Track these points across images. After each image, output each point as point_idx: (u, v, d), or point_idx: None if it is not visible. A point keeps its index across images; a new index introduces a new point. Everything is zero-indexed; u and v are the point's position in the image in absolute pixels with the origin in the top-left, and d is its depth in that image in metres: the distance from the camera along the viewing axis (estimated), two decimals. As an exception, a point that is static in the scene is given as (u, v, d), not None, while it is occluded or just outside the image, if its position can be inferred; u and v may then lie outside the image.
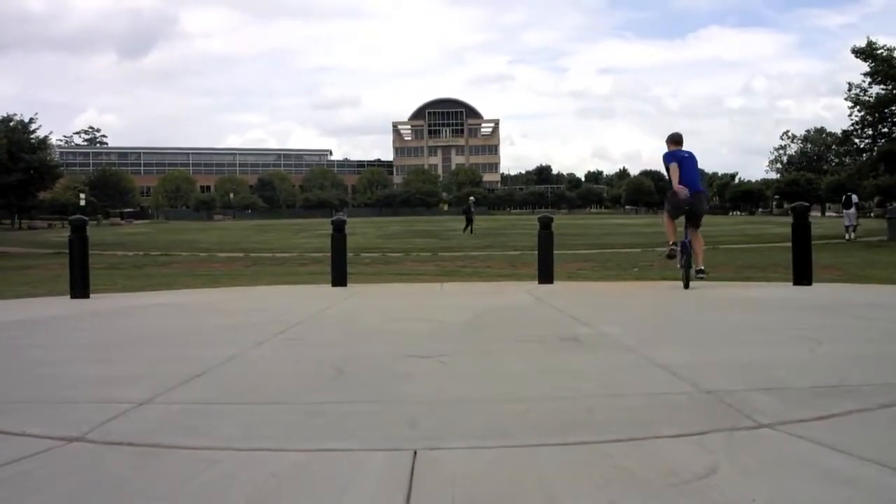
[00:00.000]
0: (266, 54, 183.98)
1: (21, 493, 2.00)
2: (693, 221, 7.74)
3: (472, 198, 42.16)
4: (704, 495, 1.91)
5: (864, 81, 25.72)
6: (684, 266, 7.72)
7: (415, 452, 2.27)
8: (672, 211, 7.84)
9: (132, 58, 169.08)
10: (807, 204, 9.11)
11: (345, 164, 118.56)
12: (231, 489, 2.02)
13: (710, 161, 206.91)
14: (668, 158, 7.74)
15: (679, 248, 7.76)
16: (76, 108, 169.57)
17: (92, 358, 4.17)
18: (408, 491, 1.97)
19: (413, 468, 2.14)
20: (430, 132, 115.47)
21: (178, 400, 3.04)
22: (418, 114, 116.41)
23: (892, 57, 24.82)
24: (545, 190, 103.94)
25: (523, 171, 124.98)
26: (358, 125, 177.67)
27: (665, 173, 7.95)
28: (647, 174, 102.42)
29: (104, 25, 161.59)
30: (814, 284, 8.07)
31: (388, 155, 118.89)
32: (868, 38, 25.32)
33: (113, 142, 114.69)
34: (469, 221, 30.95)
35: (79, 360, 4.07)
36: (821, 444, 2.29)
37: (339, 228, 9.31)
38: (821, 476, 2.03)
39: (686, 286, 7.63)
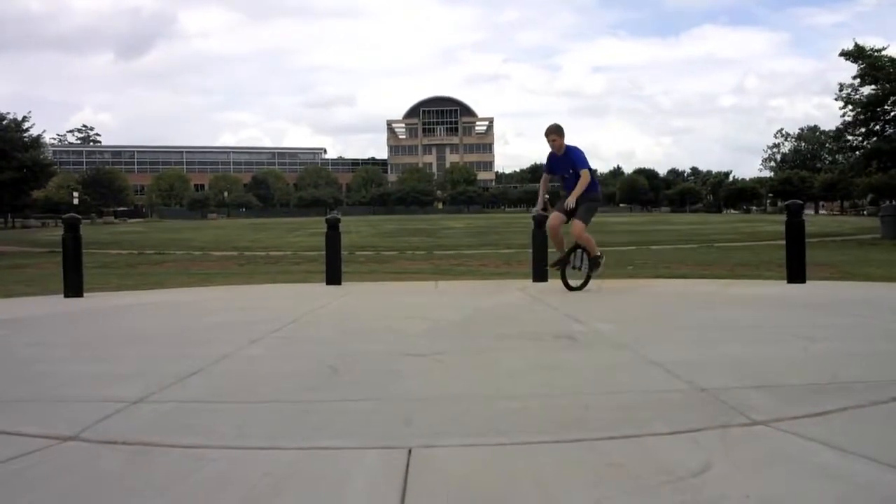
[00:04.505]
0: (261, 53, 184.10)
1: (15, 493, 1.99)
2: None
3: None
4: (699, 492, 1.91)
5: (855, 82, 26.07)
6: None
7: (409, 450, 2.27)
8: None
9: (128, 57, 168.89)
10: (801, 202, 9.13)
11: (339, 162, 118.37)
12: (226, 488, 2.02)
13: (704, 159, 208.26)
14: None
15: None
16: (72, 106, 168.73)
17: (86, 357, 4.15)
18: (402, 489, 1.98)
19: (408, 466, 2.15)
20: (424, 130, 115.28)
21: (173, 398, 3.03)
22: (413, 112, 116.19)
23: (879, 59, 25.14)
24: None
25: (517, 170, 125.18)
26: (353, 124, 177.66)
27: (587, 170, 7.56)
28: (640, 172, 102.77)
29: (101, 25, 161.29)
30: (808, 282, 8.09)
31: (382, 153, 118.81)
32: (854, 40, 25.83)
33: (107, 140, 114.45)
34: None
35: (73, 359, 4.05)
36: (814, 440, 2.30)
37: (333, 227, 9.30)
38: (814, 472, 2.04)
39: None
